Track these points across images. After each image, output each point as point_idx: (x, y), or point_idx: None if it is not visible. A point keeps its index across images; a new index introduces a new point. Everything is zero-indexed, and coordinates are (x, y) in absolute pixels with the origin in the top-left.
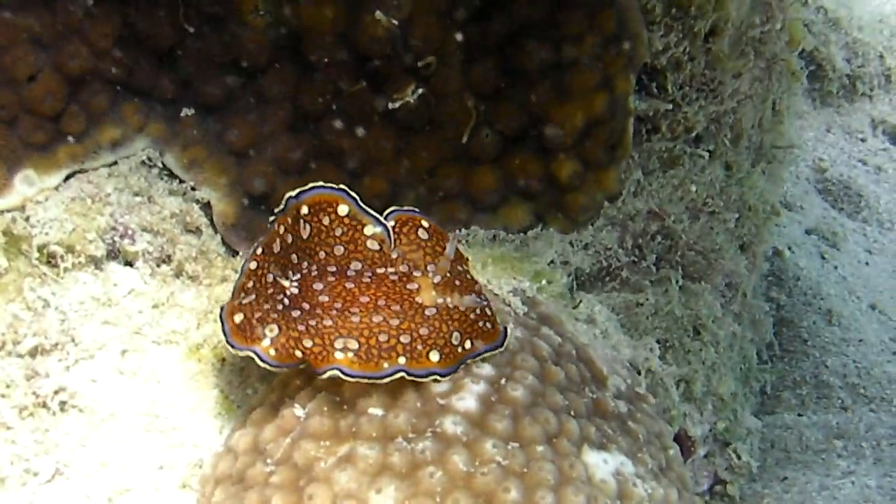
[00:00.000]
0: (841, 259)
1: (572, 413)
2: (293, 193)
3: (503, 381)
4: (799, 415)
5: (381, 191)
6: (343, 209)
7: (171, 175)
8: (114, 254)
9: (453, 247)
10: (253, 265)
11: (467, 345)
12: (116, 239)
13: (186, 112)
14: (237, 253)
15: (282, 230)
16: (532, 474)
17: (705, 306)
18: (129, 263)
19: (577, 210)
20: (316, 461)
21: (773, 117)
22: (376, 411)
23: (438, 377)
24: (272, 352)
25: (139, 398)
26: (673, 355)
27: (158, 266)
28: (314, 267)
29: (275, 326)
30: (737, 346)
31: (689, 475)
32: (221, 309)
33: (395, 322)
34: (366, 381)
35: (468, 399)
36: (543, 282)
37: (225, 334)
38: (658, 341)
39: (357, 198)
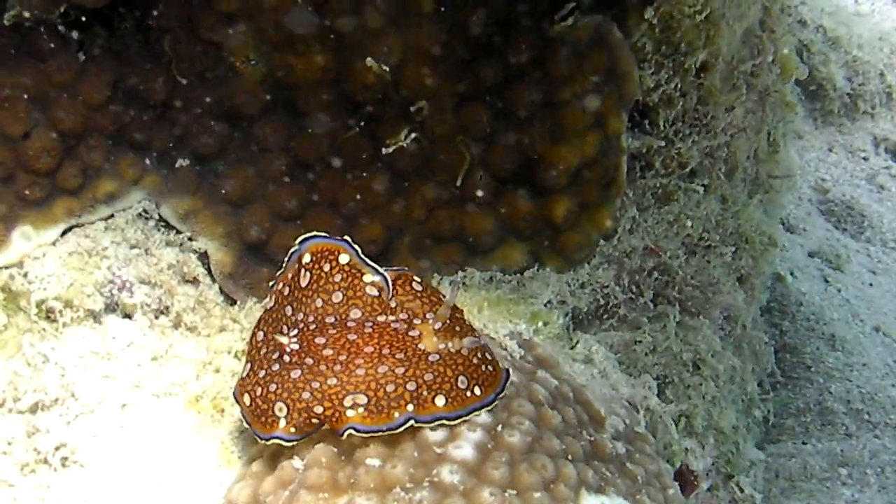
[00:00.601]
0: (844, 281)
1: (569, 457)
2: (297, 241)
3: (499, 427)
4: (803, 443)
5: (377, 236)
6: (344, 258)
7: (168, 226)
8: (112, 307)
9: (454, 294)
10: (259, 336)
11: (477, 391)
12: (114, 292)
13: (181, 163)
14: (235, 302)
15: (281, 287)
16: None
17: (704, 341)
18: (128, 316)
19: (572, 249)
20: None
21: (768, 148)
22: (374, 462)
23: (446, 421)
24: (292, 430)
25: (140, 452)
26: (673, 391)
27: (157, 318)
28: (310, 318)
29: (282, 405)
30: (737, 378)
31: None
32: (234, 390)
33: (400, 370)
34: (379, 434)
35: (465, 447)
36: (540, 323)
37: (247, 423)
38: (657, 377)
39: (358, 249)
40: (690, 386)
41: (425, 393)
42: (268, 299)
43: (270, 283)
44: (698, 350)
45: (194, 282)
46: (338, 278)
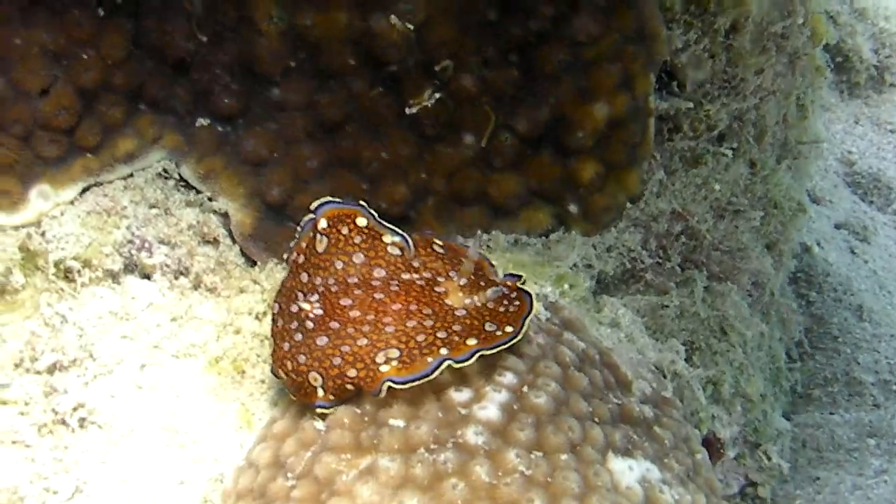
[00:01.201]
0: (871, 253)
1: (596, 420)
2: (312, 207)
3: (525, 388)
4: (831, 413)
5: (401, 196)
6: (362, 221)
7: (188, 186)
8: (131, 267)
9: (476, 249)
10: (275, 308)
11: (508, 329)
12: (133, 252)
13: (202, 122)
14: (255, 263)
15: (296, 256)
16: (556, 484)
17: (732, 306)
18: (147, 276)
19: (599, 212)
20: (337, 474)
21: (797, 113)
22: (397, 422)
23: (484, 352)
24: (331, 397)
25: (158, 413)
26: (700, 357)
27: (176, 278)
28: (331, 281)
29: (315, 375)
30: (765, 345)
31: (719, 478)
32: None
33: (429, 323)
34: (418, 382)
35: (490, 408)
36: (566, 286)
37: (291, 393)
38: (684, 343)
39: (374, 213)
40: (718, 352)
41: (457, 338)
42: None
43: (285, 256)
44: (726, 316)
45: (214, 242)
46: (358, 240)
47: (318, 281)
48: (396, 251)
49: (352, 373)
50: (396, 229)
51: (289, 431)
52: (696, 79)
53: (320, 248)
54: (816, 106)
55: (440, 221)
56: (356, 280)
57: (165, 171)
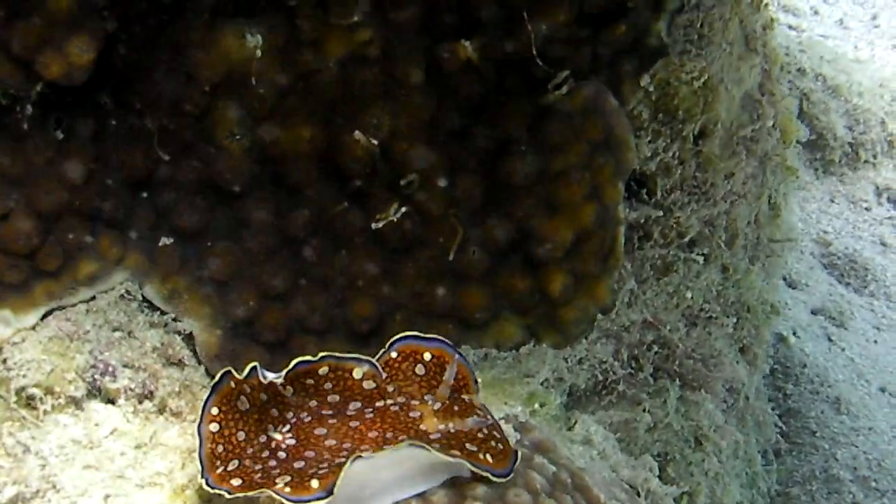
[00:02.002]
0: (848, 339)
1: None
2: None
3: None
4: None
5: (369, 313)
6: (323, 370)
7: (152, 307)
8: (94, 392)
9: (452, 373)
10: (214, 427)
11: (489, 457)
12: (97, 377)
13: (165, 241)
14: None
15: (247, 389)
16: None
17: (706, 416)
18: (111, 401)
19: (570, 324)
20: None
21: (769, 212)
22: None
23: (469, 466)
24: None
25: None
26: (675, 468)
27: (140, 402)
28: (305, 415)
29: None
30: (741, 452)
31: None
32: (207, 480)
33: None
34: None
35: None
36: (537, 405)
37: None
38: (658, 455)
39: (335, 354)
40: (693, 463)
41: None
42: (211, 398)
43: (218, 378)
44: (700, 425)
45: (179, 364)
46: (328, 386)
47: (290, 415)
48: (372, 385)
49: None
50: (360, 356)
51: None
52: (665, 186)
53: (288, 394)
54: (789, 201)
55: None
56: (331, 412)
57: (128, 292)
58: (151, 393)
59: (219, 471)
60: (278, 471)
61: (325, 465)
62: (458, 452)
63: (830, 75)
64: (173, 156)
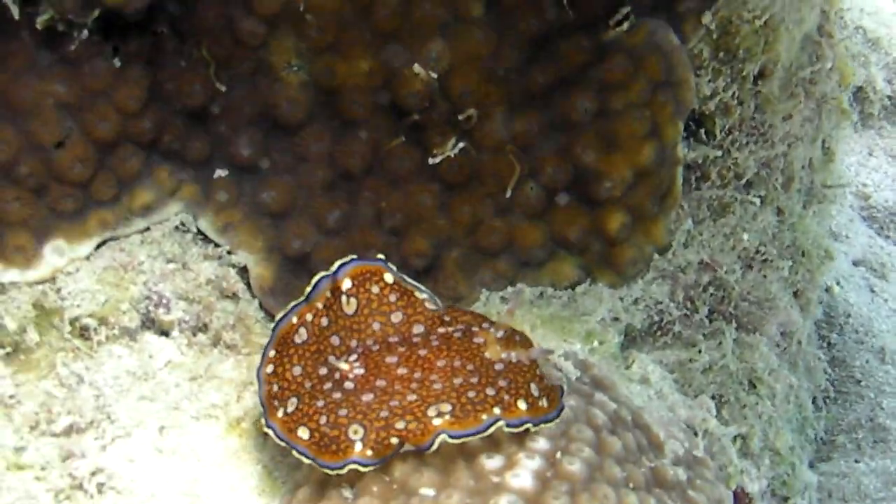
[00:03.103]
0: (891, 291)
1: (631, 485)
2: (328, 273)
3: (559, 454)
4: (856, 461)
5: (423, 249)
6: (389, 277)
7: (206, 239)
8: (148, 324)
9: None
10: (269, 369)
11: (544, 402)
12: (151, 308)
13: (220, 173)
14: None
15: (309, 317)
16: None
17: (761, 358)
18: (165, 333)
19: (626, 264)
20: None
21: (823, 156)
22: (428, 491)
23: (530, 426)
24: (369, 452)
25: (179, 477)
26: (729, 411)
27: (195, 335)
28: (369, 342)
29: (357, 427)
30: (793, 396)
31: None
32: (274, 430)
33: (474, 380)
34: (472, 438)
35: (523, 476)
36: (595, 342)
37: (310, 458)
38: (713, 397)
39: (395, 269)
40: (747, 405)
41: (507, 397)
42: (272, 338)
43: (280, 317)
44: (755, 368)
45: (233, 297)
46: (393, 298)
47: (354, 343)
48: (433, 306)
49: (400, 425)
50: (419, 285)
51: (313, 499)
52: (724, 126)
53: (349, 309)
54: (841, 148)
55: (464, 274)
56: (397, 339)
57: (183, 223)
58: (206, 325)
59: (280, 414)
60: (344, 404)
61: (396, 400)
62: (524, 409)
63: (871, 28)
64: (230, 87)
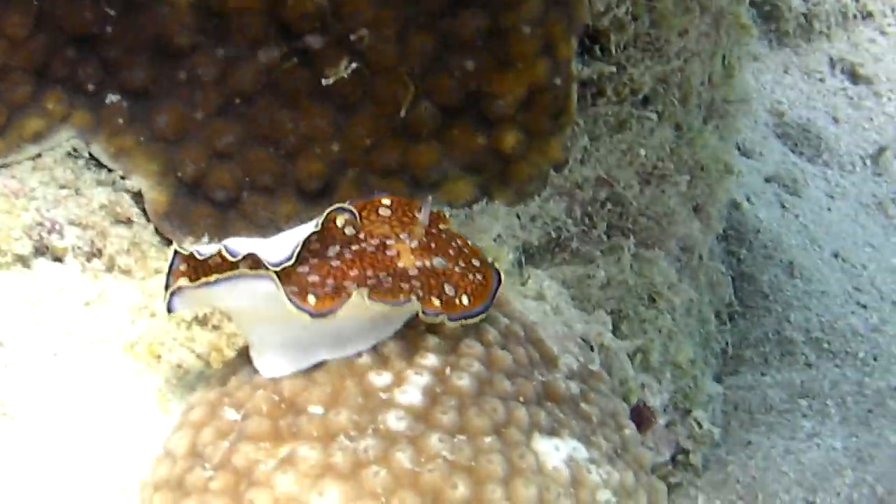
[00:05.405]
0: (802, 207)
1: (521, 399)
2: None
3: (448, 370)
4: (762, 374)
5: (318, 171)
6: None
7: (99, 165)
8: (41, 250)
9: (427, 211)
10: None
11: (464, 300)
12: (44, 235)
13: (112, 99)
14: (171, 242)
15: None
16: (480, 468)
17: (659, 273)
18: (58, 259)
19: (522, 181)
20: (256, 464)
21: (723, 72)
22: (316, 409)
23: (446, 321)
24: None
25: (73, 402)
26: (628, 325)
27: (89, 261)
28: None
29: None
30: (694, 310)
31: (650, 447)
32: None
33: (387, 285)
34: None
35: (411, 392)
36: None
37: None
38: (612, 312)
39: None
40: (646, 320)
41: (421, 293)
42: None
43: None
44: (654, 283)
45: (128, 222)
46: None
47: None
48: (351, 231)
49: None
50: (342, 205)
51: (206, 419)
52: (618, 42)
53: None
54: (743, 63)
55: (360, 194)
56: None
57: (75, 149)
58: (100, 251)
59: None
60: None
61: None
62: (437, 304)
63: None
64: (119, 11)
